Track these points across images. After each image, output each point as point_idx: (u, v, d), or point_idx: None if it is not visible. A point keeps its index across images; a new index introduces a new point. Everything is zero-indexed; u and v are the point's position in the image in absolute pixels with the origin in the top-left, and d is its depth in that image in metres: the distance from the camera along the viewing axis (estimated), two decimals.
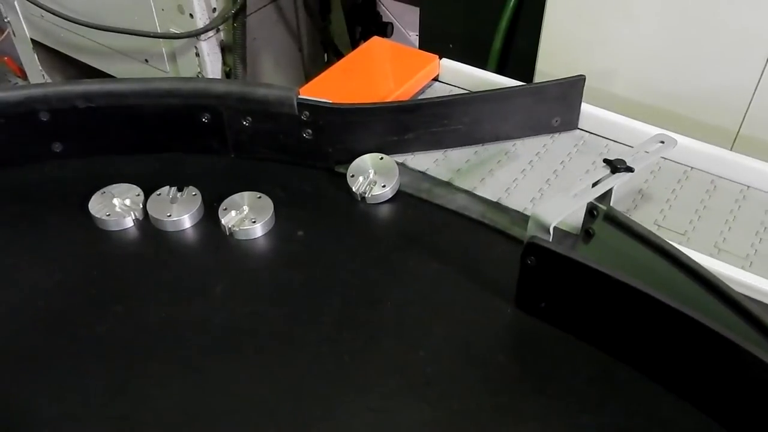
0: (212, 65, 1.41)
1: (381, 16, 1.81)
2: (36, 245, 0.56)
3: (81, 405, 0.45)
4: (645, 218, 0.58)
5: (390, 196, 0.60)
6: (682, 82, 0.75)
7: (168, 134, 0.65)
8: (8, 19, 1.79)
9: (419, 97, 0.72)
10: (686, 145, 0.62)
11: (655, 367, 0.47)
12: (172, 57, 1.45)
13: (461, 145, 0.66)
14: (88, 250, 0.56)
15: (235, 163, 0.64)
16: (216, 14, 1.35)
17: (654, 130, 0.61)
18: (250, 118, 0.64)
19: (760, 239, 0.56)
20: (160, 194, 0.59)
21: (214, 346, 0.49)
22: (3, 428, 0.43)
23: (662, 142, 0.54)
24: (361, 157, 0.62)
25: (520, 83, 0.68)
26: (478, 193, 0.60)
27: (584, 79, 0.65)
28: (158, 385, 0.46)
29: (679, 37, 0.74)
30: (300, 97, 0.62)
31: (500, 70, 1.01)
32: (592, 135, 0.68)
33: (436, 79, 0.75)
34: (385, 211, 0.60)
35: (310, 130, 0.63)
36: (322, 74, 0.73)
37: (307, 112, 0.62)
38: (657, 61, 0.77)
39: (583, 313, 0.49)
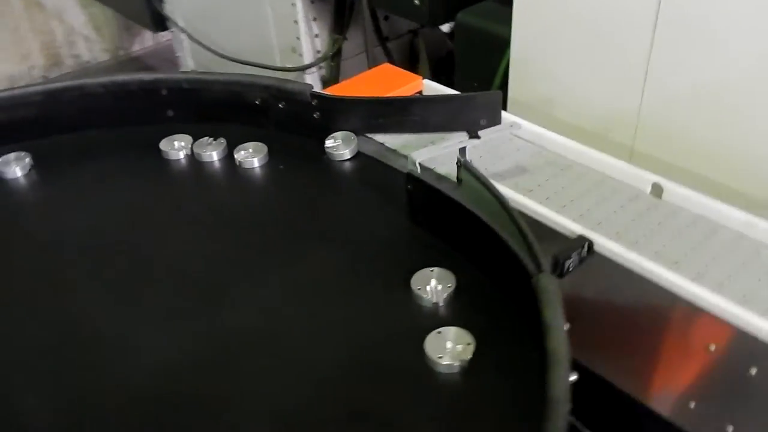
0: None
1: None
2: (122, 170, 0.95)
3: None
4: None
5: (347, 157, 0.93)
6: (591, 105, 1.03)
7: (235, 110, 1.04)
8: (179, 54, 2.34)
9: None
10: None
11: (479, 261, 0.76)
12: None
13: (415, 132, 0.98)
14: (152, 173, 0.94)
15: (256, 132, 1.01)
16: (320, 55, 1.77)
17: (551, 135, 0.91)
18: (284, 103, 1.01)
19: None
20: (202, 141, 0.97)
21: (200, 234, 0.84)
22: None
23: (511, 125, 0.84)
24: (339, 132, 0.96)
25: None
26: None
27: (501, 93, 0.95)
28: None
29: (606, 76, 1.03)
30: (312, 90, 0.98)
31: None
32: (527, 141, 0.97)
33: (419, 93, 1.08)
34: (347, 165, 0.94)
35: (318, 113, 0.99)
36: (339, 84, 1.09)
37: (315, 101, 0.98)
38: (586, 88, 1.05)
39: (440, 221, 0.79)
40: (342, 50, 1.76)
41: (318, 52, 1.77)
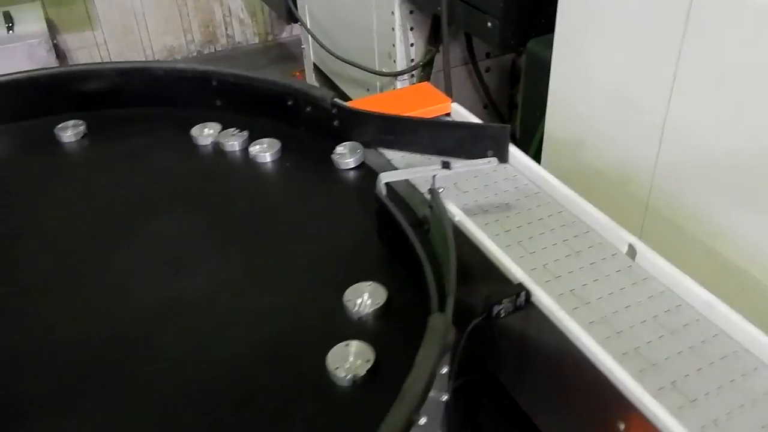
0: None
1: None
2: (155, 147, 1.06)
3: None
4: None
5: (350, 166, 0.97)
6: (613, 153, 0.99)
7: (271, 107, 1.11)
8: (304, 46, 2.49)
9: None
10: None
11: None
12: (381, 89, 1.95)
13: (422, 153, 1.00)
14: (179, 154, 1.04)
15: (285, 129, 1.07)
16: (413, 63, 1.81)
17: (548, 176, 0.89)
18: (310, 107, 1.07)
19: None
20: (228, 131, 1.05)
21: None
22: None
23: (489, 162, 0.83)
24: (350, 142, 1.00)
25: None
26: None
27: (509, 127, 0.94)
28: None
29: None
30: (333, 99, 1.03)
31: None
32: (514, 169, 0.96)
33: (447, 115, 1.10)
34: (348, 173, 0.98)
35: (337, 121, 1.04)
36: (374, 96, 1.13)
37: (335, 109, 1.03)
38: (610, 136, 1.01)
39: (394, 242, 0.81)
40: (434, 61, 1.79)
41: (411, 60, 1.81)
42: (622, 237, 0.78)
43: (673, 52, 0.83)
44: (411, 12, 1.73)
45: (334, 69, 2.26)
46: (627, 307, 0.70)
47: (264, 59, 3.55)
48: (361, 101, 1.11)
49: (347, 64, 2.03)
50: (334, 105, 1.03)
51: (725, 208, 0.84)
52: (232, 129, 1.06)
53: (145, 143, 1.08)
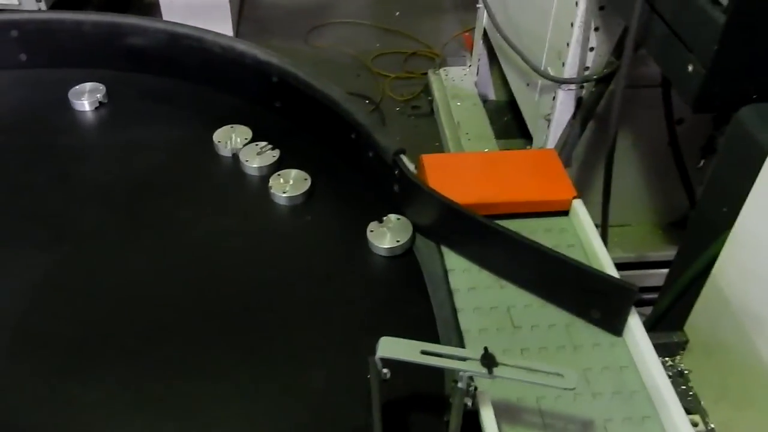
0: (561, 113, 1.47)
1: None
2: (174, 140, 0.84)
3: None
4: None
5: (382, 254, 0.69)
6: None
7: (328, 133, 0.82)
8: (479, 5, 2.09)
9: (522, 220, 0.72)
10: None
11: None
12: (541, 90, 1.56)
13: (494, 273, 0.66)
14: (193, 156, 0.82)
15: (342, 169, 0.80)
16: (586, 73, 1.39)
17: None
18: (373, 153, 0.76)
19: None
20: (256, 145, 0.79)
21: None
22: None
23: (561, 375, 0.48)
24: (402, 217, 0.71)
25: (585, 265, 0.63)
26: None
27: (635, 290, 0.58)
28: None
29: None
30: (397, 156, 0.71)
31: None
32: (625, 354, 0.60)
33: (565, 213, 0.73)
34: (380, 260, 0.69)
35: (396, 186, 0.72)
36: (477, 153, 0.79)
37: (397, 171, 0.71)
38: None
39: None
40: (614, 77, 1.36)
41: (586, 68, 1.40)
42: None
43: None
44: (601, 8, 1.30)
45: (499, 43, 1.87)
46: None
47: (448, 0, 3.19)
48: (454, 157, 0.79)
49: (511, 51, 1.65)
50: (397, 165, 0.71)
51: None
52: (262, 143, 0.79)
53: (166, 132, 0.86)
